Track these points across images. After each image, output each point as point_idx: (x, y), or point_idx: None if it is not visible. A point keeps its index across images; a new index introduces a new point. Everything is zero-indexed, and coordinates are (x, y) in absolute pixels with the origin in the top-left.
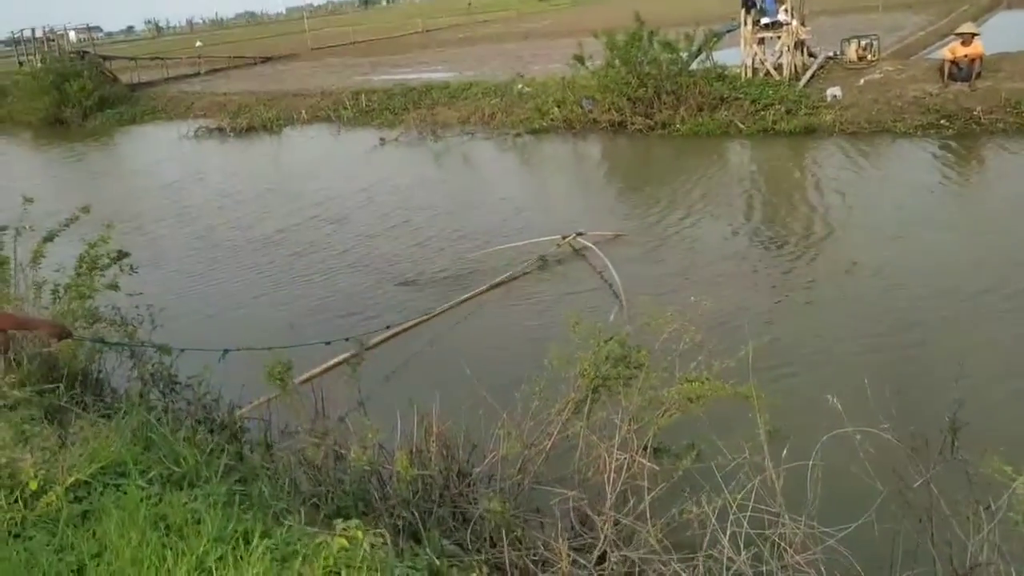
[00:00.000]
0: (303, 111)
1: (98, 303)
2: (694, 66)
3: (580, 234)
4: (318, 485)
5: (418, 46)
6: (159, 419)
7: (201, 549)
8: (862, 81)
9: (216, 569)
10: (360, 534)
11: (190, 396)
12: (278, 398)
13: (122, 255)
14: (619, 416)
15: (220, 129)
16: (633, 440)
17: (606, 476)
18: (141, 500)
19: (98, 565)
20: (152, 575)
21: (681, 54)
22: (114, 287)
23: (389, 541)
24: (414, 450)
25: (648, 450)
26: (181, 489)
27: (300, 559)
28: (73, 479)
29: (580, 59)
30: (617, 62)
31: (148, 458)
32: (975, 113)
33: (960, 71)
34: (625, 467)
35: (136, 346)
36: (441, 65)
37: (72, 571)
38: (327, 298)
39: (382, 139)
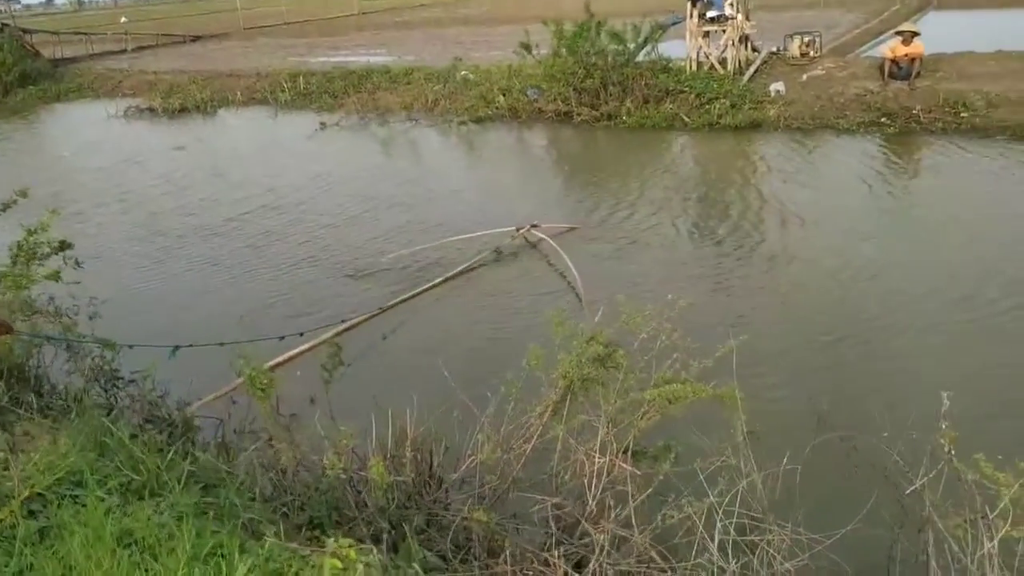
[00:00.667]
0: (238, 92)
1: (34, 293)
2: (640, 58)
3: (535, 226)
4: (285, 493)
5: (354, 28)
6: (113, 422)
7: (179, 571)
8: (805, 77)
9: None
10: (353, 554)
11: (135, 393)
12: (236, 393)
13: (64, 245)
14: (597, 419)
15: (151, 109)
16: (612, 443)
17: (586, 480)
18: (105, 514)
19: None
20: None
21: (628, 45)
22: (55, 277)
23: (378, 561)
24: (388, 455)
25: (628, 453)
26: (142, 499)
27: None
28: (28, 492)
29: (527, 47)
30: (564, 51)
31: (104, 465)
32: (915, 112)
33: (900, 70)
34: (605, 471)
35: (81, 341)
36: (379, 49)
37: None
38: (277, 290)
39: (322, 123)
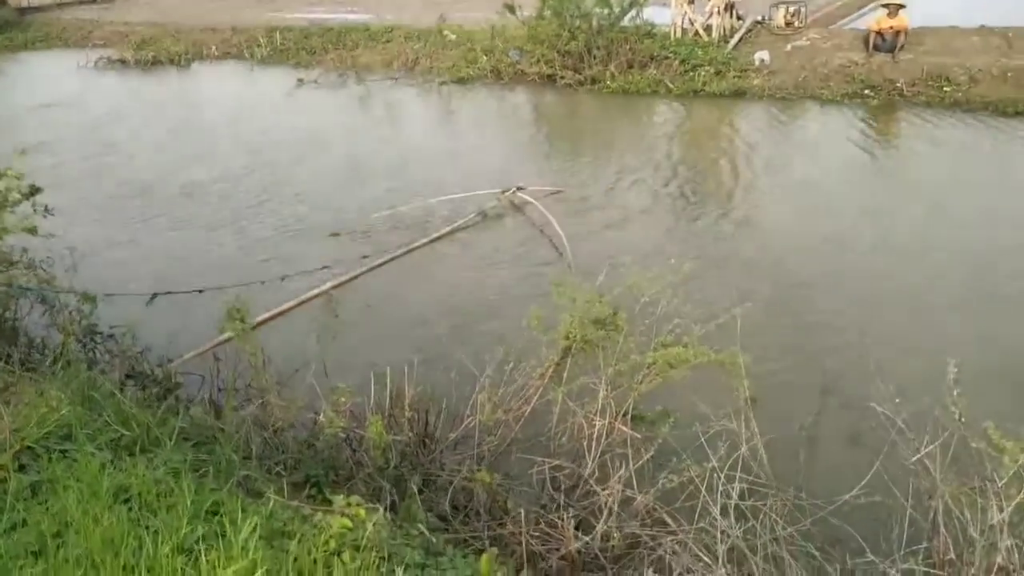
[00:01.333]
0: (213, 47)
1: (7, 244)
2: (625, 23)
3: (520, 189)
4: (279, 451)
5: None
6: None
7: (181, 528)
8: (789, 47)
9: (202, 552)
10: (363, 512)
11: (114, 348)
12: (228, 344)
13: (34, 190)
14: (596, 382)
15: (123, 61)
16: (612, 406)
17: (585, 443)
18: (99, 469)
19: (60, 547)
20: (129, 558)
21: (614, 9)
22: (32, 230)
23: (386, 520)
24: (385, 415)
25: (628, 416)
26: (132, 455)
27: (296, 540)
28: (19, 445)
29: (511, 8)
30: (548, 13)
31: (94, 420)
32: (898, 85)
33: (884, 42)
34: (605, 433)
35: (57, 292)
36: (357, 6)
37: (31, 553)
38: (260, 249)
39: (300, 80)
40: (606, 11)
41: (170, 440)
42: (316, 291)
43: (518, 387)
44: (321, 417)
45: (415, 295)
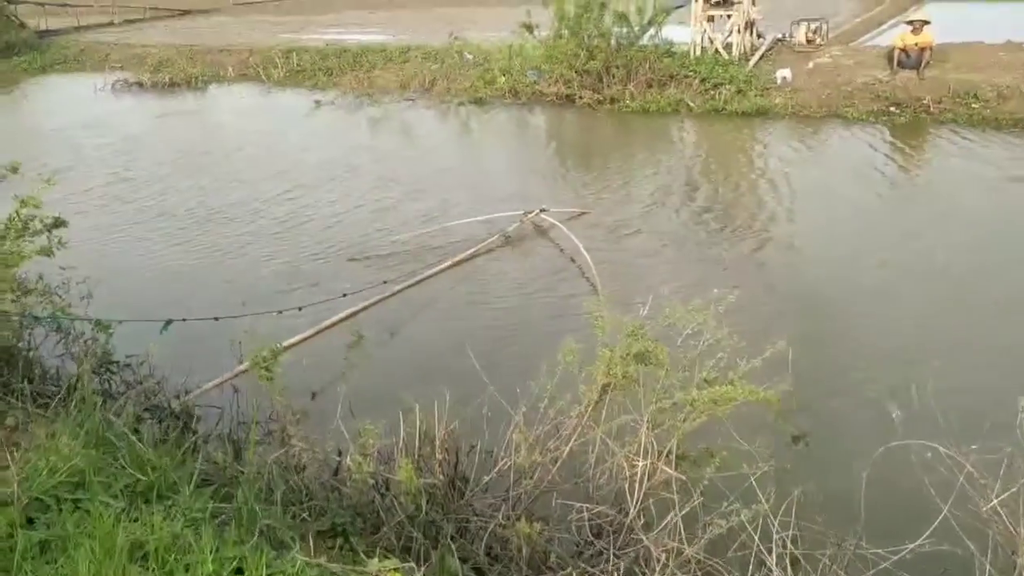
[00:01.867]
0: (229, 68)
1: (23, 271)
2: (643, 41)
3: (543, 210)
4: (303, 495)
5: (347, 6)
6: (113, 413)
7: None
8: (811, 64)
9: None
10: None
11: (130, 379)
12: (237, 380)
13: (58, 222)
14: (636, 419)
15: (139, 83)
16: (654, 445)
17: (626, 486)
18: (113, 523)
19: None
20: None
21: (633, 28)
22: (47, 252)
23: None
24: (416, 456)
25: (671, 457)
26: (149, 502)
27: None
28: (26, 500)
29: (529, 27)
30: (566, 32)
31: (108, 464)
32: (924, 102)
33: (909, 59)
34: (647, 475)
35: (70, 319)
36: (373, 27)
37: None
38: (279, 272)
39: (317, 101)
40: (625, 30)
41: (189, 485)
42: (335, 319)
43: (554, 426)
44: (348, 460)
45: (438, 322)
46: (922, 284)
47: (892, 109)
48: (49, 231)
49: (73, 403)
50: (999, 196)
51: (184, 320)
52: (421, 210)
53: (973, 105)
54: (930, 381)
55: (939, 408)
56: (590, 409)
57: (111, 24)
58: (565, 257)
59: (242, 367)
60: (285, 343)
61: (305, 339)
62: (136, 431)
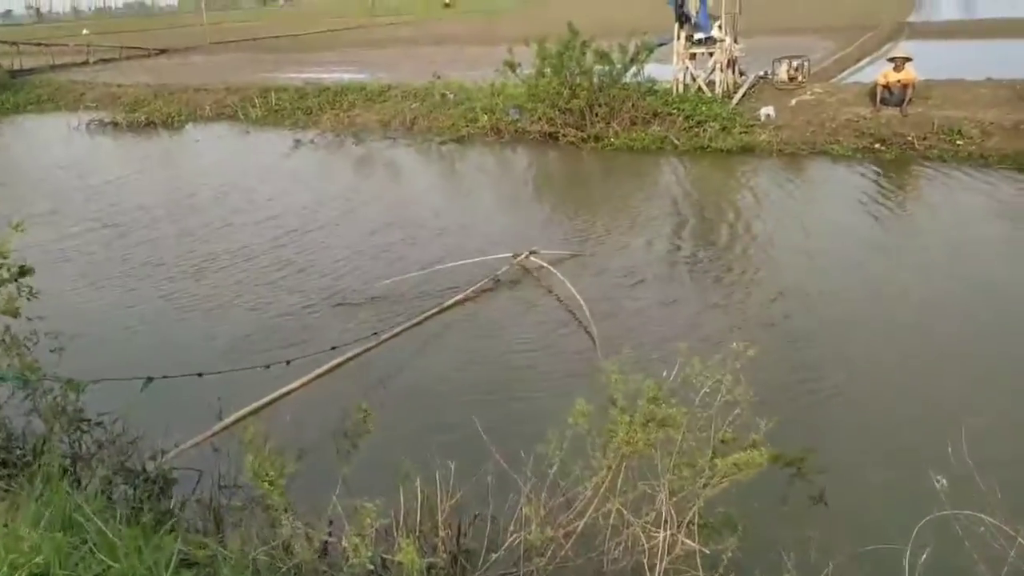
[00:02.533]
0: (207, 107)
1: None
2: (626, 79)
3: (533, 252)
4: None
5: (324, 46)
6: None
7: None
8: (794, 102)
9: None
10: None
11: (102, 438)
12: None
13: (24, 271)
14: (653, 486)
15: (115, 123)
16: (673, 515)
17: (645, 560)
18: None
19: None
20: None
21: (616, 66)
22: (12, 312)
23: None
24: (416, 533)
25: (693, 527)
26: None
27: None
28: None
29: (511, 65)
30: (548, 71)
31: (75, 551)
32: (909, 139)
33: (892, 96)
34: (667, 549)
35: (39, 380)
36: (351, 66)
37: None
38: (261, 321)
39: (297, 141)
40: (607, 68)
41: (167, 571)
42: (321, 370)
43: (568, 498)
44: (344, 541)
45: (430, 372)
46: (941, 332)
47: (877, 146)
48: (15, 280)
49: (39, 472)
50: (995, 233)
51: (165, 377)
52: (409, 253)
53: (958, 142)
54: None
55: (983, 468)
56: (607, 481)
57: (86, 63)
58: (557, 302)
59: (221, 424)
60: (268, 397)
61: (291, 392)
62: (109, 499)
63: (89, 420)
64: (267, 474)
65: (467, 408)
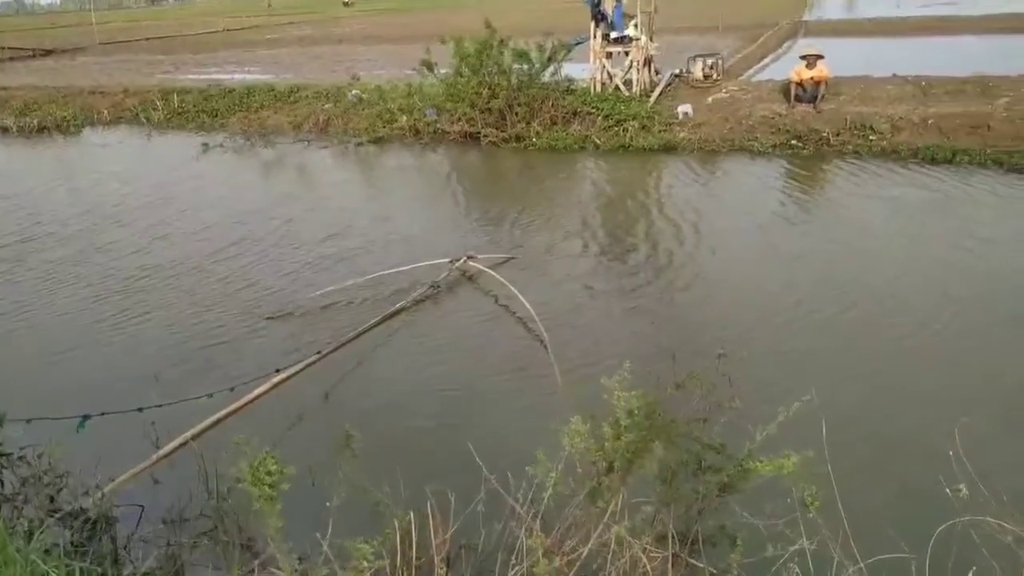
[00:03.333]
0: (104, 111)
1: None
2: (545, 78)
3: (471, 257)
4: None
5: (221, 45)
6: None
7: None
8: (710, 99)
9: None
10: None
11: (27, 475)
12: (156, 468)
13: None
14: (649, 502)
15: (4, 128)
16: (672, 532)
17: None
18: None
19: None
20: None
21: (535, 65)
22: None
23: None
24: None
25: (697, 544)
26: None
27: None
28: None
29: (429, 65)
30: (466, 70)
31: None
32: (824, 135)
33: (805, 93)
34: (669, 567)
35: None
36: (252, 66)
37: None
38: (190, 339)
39: (205, 144)
40: (526, 67)
41: None
42: (262, 389)
43: (572, 524)
44: None
45: (377, 388)
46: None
47: (794, 142)
48: None
49: None
50: (919, 225)
51: (104, 414)
52: (338, 260)
53: (871, 137)
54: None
55: (986, 475)
56: (612, 505)
57: None
58: (501, 307)
59: (163, 451)
60: (208, 420)
61: (232, 413)
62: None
63: (10, 454)
64: (267, 476)
65: (424, 423)
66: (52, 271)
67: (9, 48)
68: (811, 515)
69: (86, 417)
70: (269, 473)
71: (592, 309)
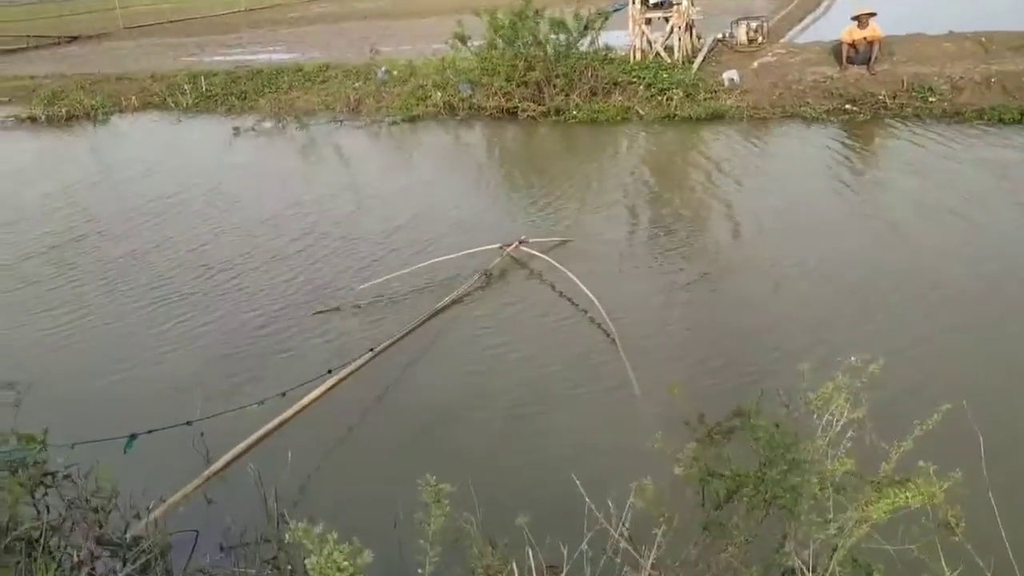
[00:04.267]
0: (132, 97)
1: None
2: (583, 47)
3: (523, 241)
4: None
5: (245, 26)
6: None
7: None
8: (755, 64)
9: None
10: None
11: (73, 497)
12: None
13: None
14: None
15: (33, 119)
16: (798, 567)
17: None
18: None
19: None
20: None
21: (573, 34)
22: None
23: None
24: None
25: None
26: None
27: None
28: None
29: (462, 38)
30: (500, 43)
31: None
32: (880, 97)
33: (858, 55)
34: None
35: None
36: (276, 46)
37: None
38: (236, 341)
39: (236, 128)
40: (563, 37)
41: None
42: (316, 393)
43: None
44: None
45: (434, 386)
46: None
47: (848, 106)
48: None
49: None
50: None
51: (151, 432)
52: (380, 248)
53: (930, 99)
54: None
55: None
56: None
57: None
58: (559, 296)
59: (214, 468)
60: (261, 431)
61: (285, 422)
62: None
63: (54, 474)
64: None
65: (489, 434)
66: (106, 272)
67: (34, 36)
68: (956, 539)
69: (133, 436)
70: (340, 569)
71: (659, 297)
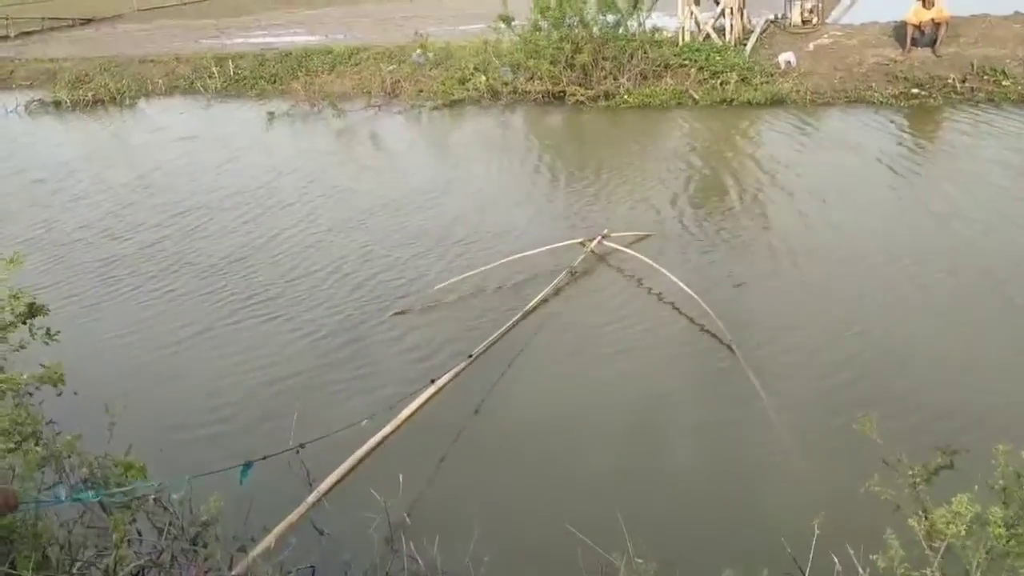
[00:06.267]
0: (159, 80)
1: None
2: (632, 28)
3: (605, 236)
4: None
5: (263, 7)
6: None
7: None
8: (811, 46)
9: None
10: None
11: (171, 525)
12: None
13: (34, 310)
14: None
15: (57, 103)
16: None
17: None
18: None
19: None
20: None
21: (622, 15)
22: (54, 381)
23: None
24: None
25: None
26: None
27: None
28: None
29: (506, 19)
30: (545, 24)
31: None
32: (949, 81)
33: (923, 36)
34: None
35: (112, 495)
36: (297, 27)
37: None
38: (324, 346)
39: (271, 113)
40: (611, 17)
41: None
42: (414, 406)
43: None
44: None
45: (530, 397)
46: None
47: (916, 90)
48: (25, 322)
49: None
50: None
51: (265, 458)
52: (445, 243)
53: (1003, 83)
54: None
55: None
56: None
57: (7, 38)
58: (654, 296)
59: (318, 492)
60: (363, 449)
61: (386, 439)
62: None
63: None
64: None
65: (605, 453)
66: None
67: (48, 19)
68: None
69: (248, 464)
70: None
71: (766, 296)
